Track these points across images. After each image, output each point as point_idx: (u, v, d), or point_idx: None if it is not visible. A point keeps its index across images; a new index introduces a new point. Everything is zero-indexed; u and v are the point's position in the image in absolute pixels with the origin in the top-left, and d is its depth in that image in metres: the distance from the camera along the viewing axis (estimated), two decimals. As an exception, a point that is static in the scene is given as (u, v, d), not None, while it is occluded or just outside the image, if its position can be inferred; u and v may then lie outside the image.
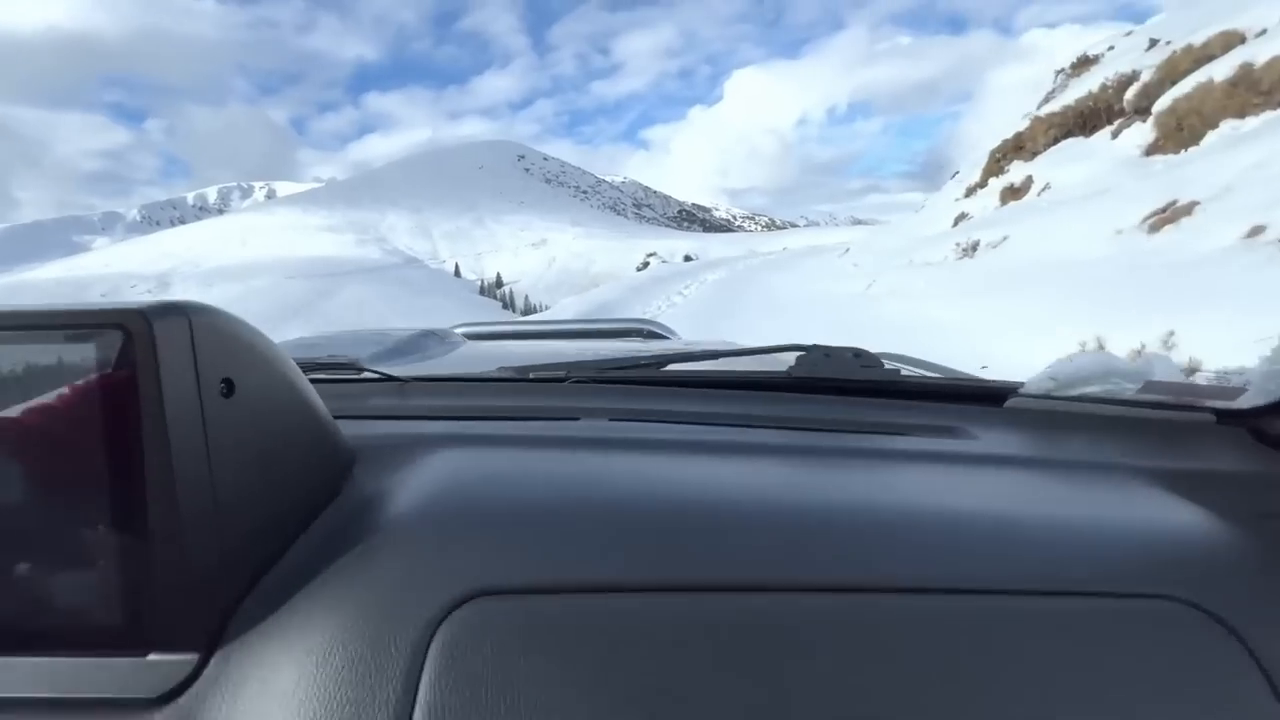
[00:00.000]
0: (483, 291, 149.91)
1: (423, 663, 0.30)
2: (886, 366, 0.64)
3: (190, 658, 0.31)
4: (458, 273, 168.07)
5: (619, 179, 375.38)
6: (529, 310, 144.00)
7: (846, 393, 0.61)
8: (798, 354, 0.66)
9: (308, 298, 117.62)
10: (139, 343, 0.29)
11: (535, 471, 0.43)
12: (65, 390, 0.30)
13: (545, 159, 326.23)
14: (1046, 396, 0.58)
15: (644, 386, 0.64)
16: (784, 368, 0.64)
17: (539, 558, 0.34)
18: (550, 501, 0.39)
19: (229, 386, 0.34)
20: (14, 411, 0.30)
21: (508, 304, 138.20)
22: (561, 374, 0.64)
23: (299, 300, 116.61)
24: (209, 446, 0.32)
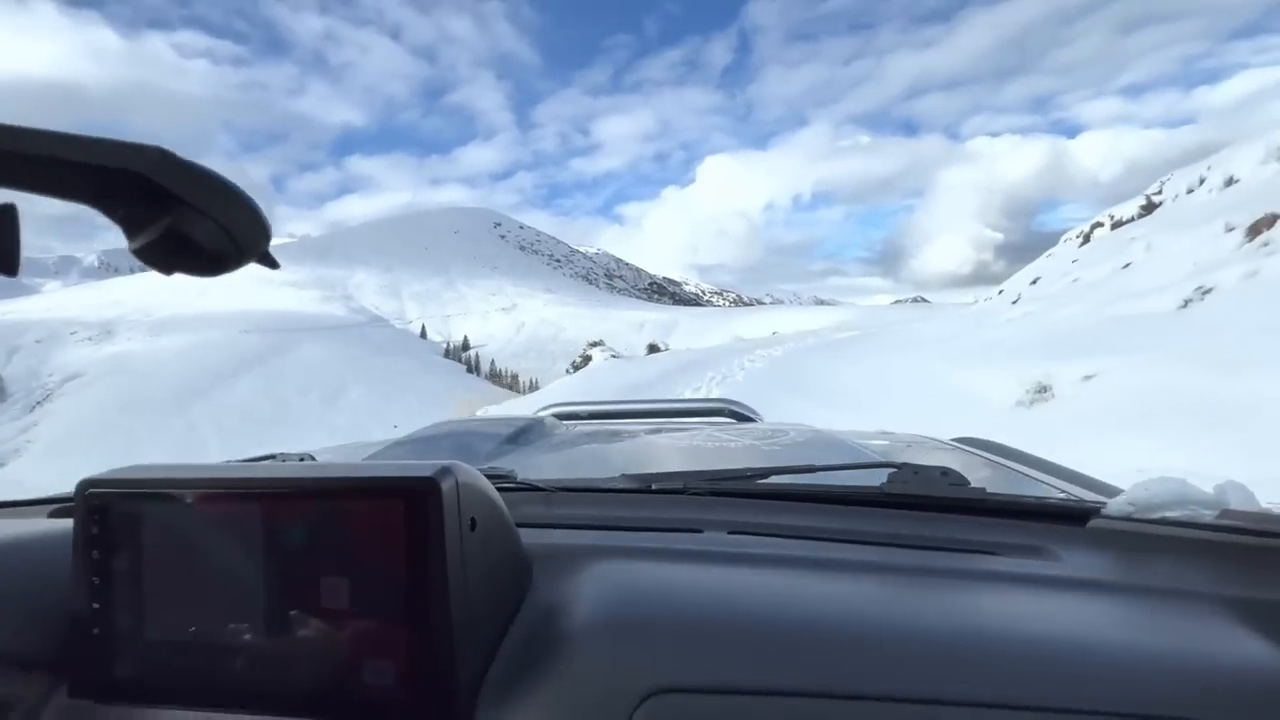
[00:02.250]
0: (448, 354, 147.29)
1: None
2: (973, 484, 0.68)
3: None
4: (424, 334, 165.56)
5: (593, 250, 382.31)
6: (495, 375, 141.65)
7: (936, 509, 0.65)
8: (890, 470, 0.71)
9: (261, 353, 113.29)
10: (431, 497, 0.43)
11: (683, 583, 0.51)
12: (381, 527, 0.44)
13: (521, 227, 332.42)
14: (1128, 519, 0.60)
15: (752, 500, 0.70)
16: (877, 481, 0.70)
17: (704, 662, 0.41)
18: (703, 612, 0.47)
19: (473, 523, 0.46)
20: (346, 542, 0.44)
21: (473, 368, 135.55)
22: (679, 485, 0.72)
23: (252, 354, 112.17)
24: (465, 567, 0.44)
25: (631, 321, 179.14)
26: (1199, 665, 0.41)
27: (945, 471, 0.70)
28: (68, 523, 0.54)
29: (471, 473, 0.47)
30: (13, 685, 0.48)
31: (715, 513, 0.67)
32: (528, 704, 0.42)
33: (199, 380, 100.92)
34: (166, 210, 0.29)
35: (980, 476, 0.74)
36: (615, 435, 1.29)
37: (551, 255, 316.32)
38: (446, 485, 0.44)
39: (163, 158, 0.29)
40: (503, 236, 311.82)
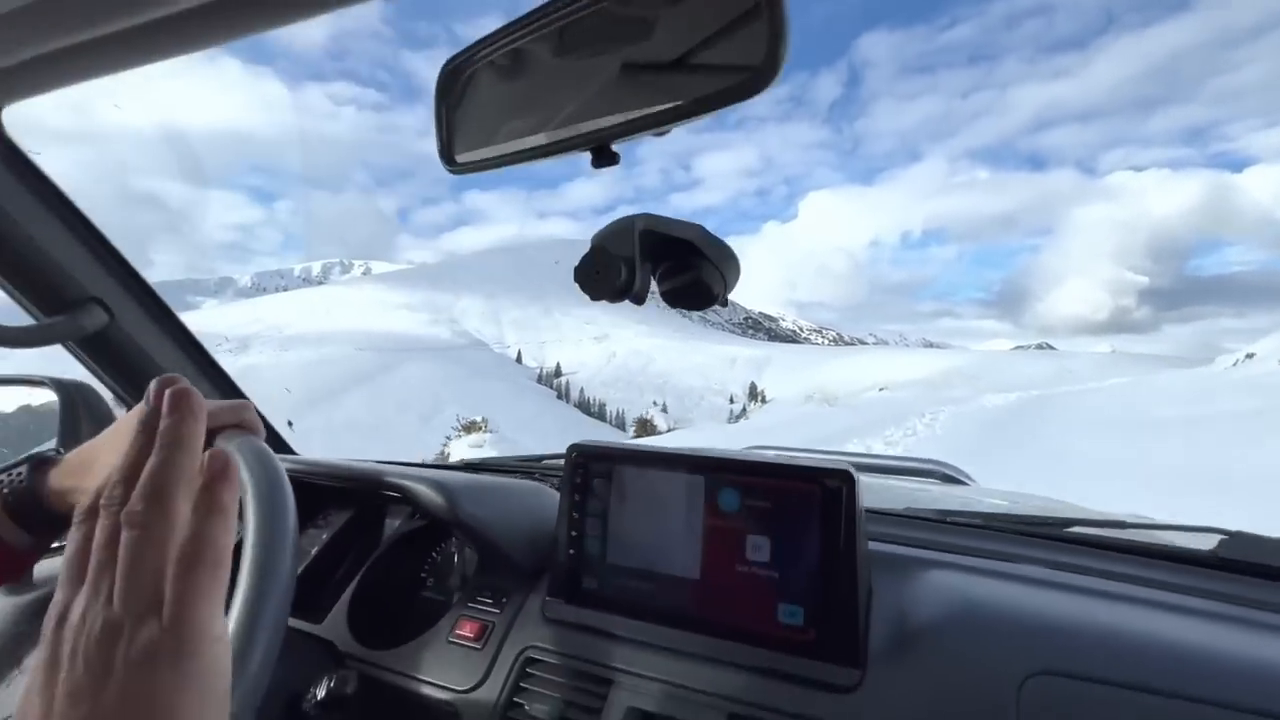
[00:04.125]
0: (541, 380, 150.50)
1: (1016, 707, 0.45)
2: None
3: (856, 671, 0.51)
4: (519, 359, 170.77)
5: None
6: (584, 404, 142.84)
7: (1272, 578, 0.61)
8: (1220, 536, 0.66)
9: (370, 370, 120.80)
10: (847, 488, 0.54)
11: (1025, 594, 0.56)
12: (803, 504, 0.55)
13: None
14: None
15: (1057, 543, 0.69)
16: (1196, 545, 0.66)
17: (1075, 656, 0.47)
18: (1060, 617, 0.52)
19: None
20: (772, 511, 0.56)
21: (562, 394, 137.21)
22: (979, 522, 0.74)
23: (363, 371, 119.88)
24: (859, 544, 0.54)
25: (723, 356, 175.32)
26: None
27: None
28: (538, 484, 0.78)
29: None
30: (510, 581, 0.68)
31: (1024, 549, 0.68)
32: (915, 667, 0.50)
33: (313, 393, 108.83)
34: (692, 265, 0.40)
35: None
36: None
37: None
38: (858, 479, 0.55)
39: (702, 232, 0.40)
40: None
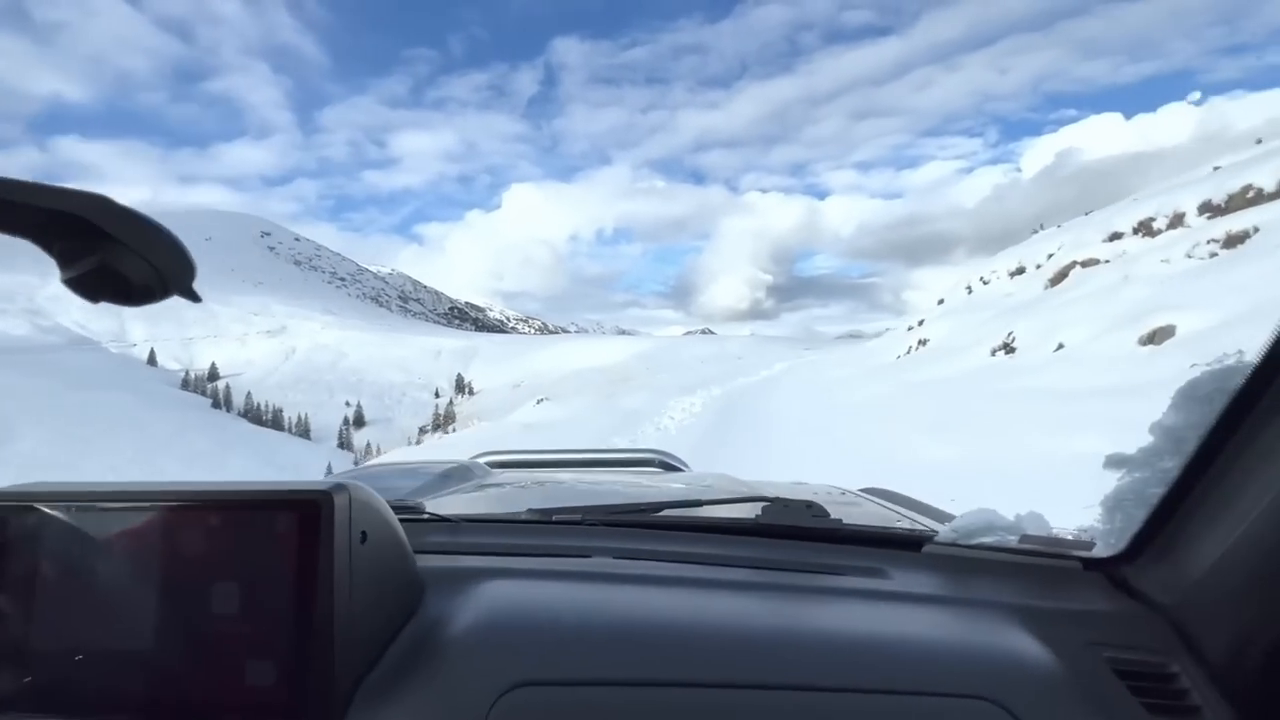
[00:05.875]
0: (187, 385, 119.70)
1: None
2: (832, 516, 0.78)
3: None
4: (153, 360, 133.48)
5: (386, 270, 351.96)
6: (252, 411, 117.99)
7: (799, 538, 0.76)
8: (764, 504, 0.80)
9: None
10: (324, 510, 0.47)
11: (559, 599, 0.58)
12: (275, 536, 0.47)
13: (297, 239, 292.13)
14: (953, 545, 0.72)
15: (642, 530, 0.78)
16: (753, 514, 0.80)
17: (562, 659, 0.49)
18: (571, 619, 0.54)
19: (364, 536, 0.50)
20: (240, 551, 0.48)
21: (220, 402, 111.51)
22: (578, 517, 0.79)
23: None
24: (353, 575, 0.48)
25: (427, 348, 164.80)
26: (957, 651, 0.53)
27: (809, 505, 0.79)
28: None
29: (367, 492, 0.51)
30: None
31: (607, 540, 0.74)
32: (400, 702, 0.47)
33: None
34: (98, 248, 0.33)
35: (852, 513, 0.84)
36: (540, 481, 1.37)
37: (334, 273, 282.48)
38: (340, 499, 0.48)
39: (104, 203, 0.32)
40: (272, 248, 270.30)
